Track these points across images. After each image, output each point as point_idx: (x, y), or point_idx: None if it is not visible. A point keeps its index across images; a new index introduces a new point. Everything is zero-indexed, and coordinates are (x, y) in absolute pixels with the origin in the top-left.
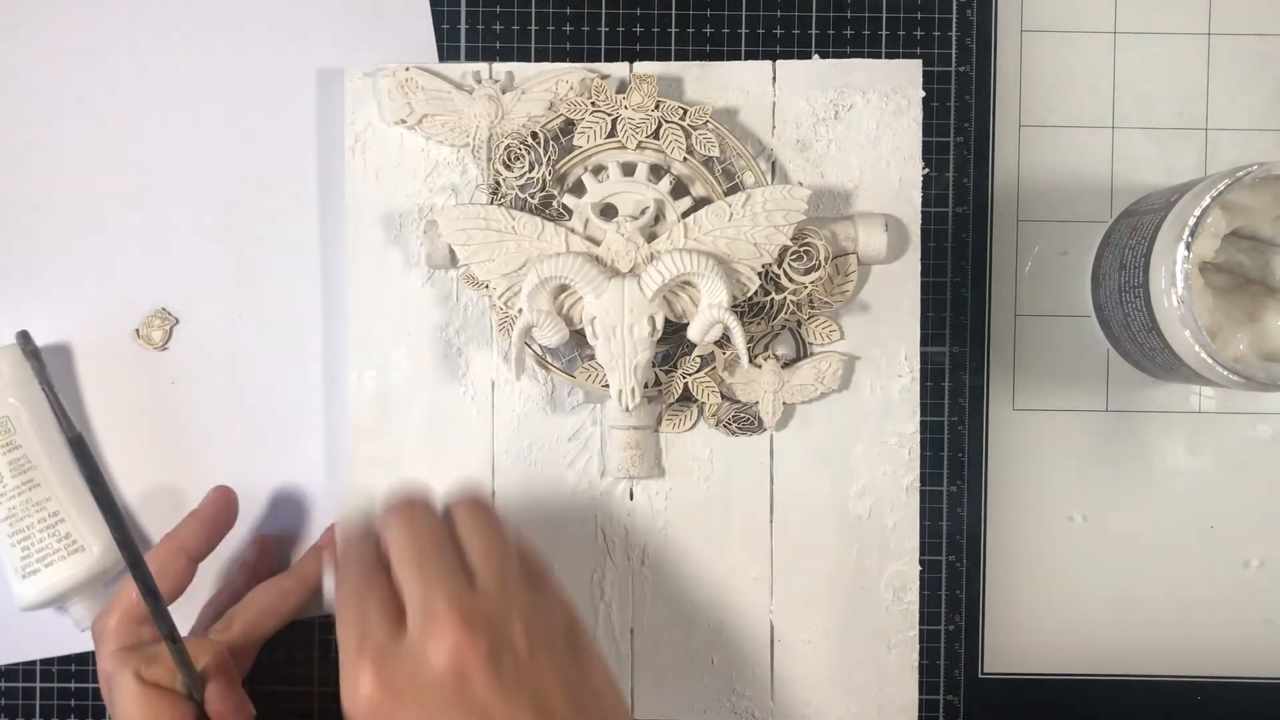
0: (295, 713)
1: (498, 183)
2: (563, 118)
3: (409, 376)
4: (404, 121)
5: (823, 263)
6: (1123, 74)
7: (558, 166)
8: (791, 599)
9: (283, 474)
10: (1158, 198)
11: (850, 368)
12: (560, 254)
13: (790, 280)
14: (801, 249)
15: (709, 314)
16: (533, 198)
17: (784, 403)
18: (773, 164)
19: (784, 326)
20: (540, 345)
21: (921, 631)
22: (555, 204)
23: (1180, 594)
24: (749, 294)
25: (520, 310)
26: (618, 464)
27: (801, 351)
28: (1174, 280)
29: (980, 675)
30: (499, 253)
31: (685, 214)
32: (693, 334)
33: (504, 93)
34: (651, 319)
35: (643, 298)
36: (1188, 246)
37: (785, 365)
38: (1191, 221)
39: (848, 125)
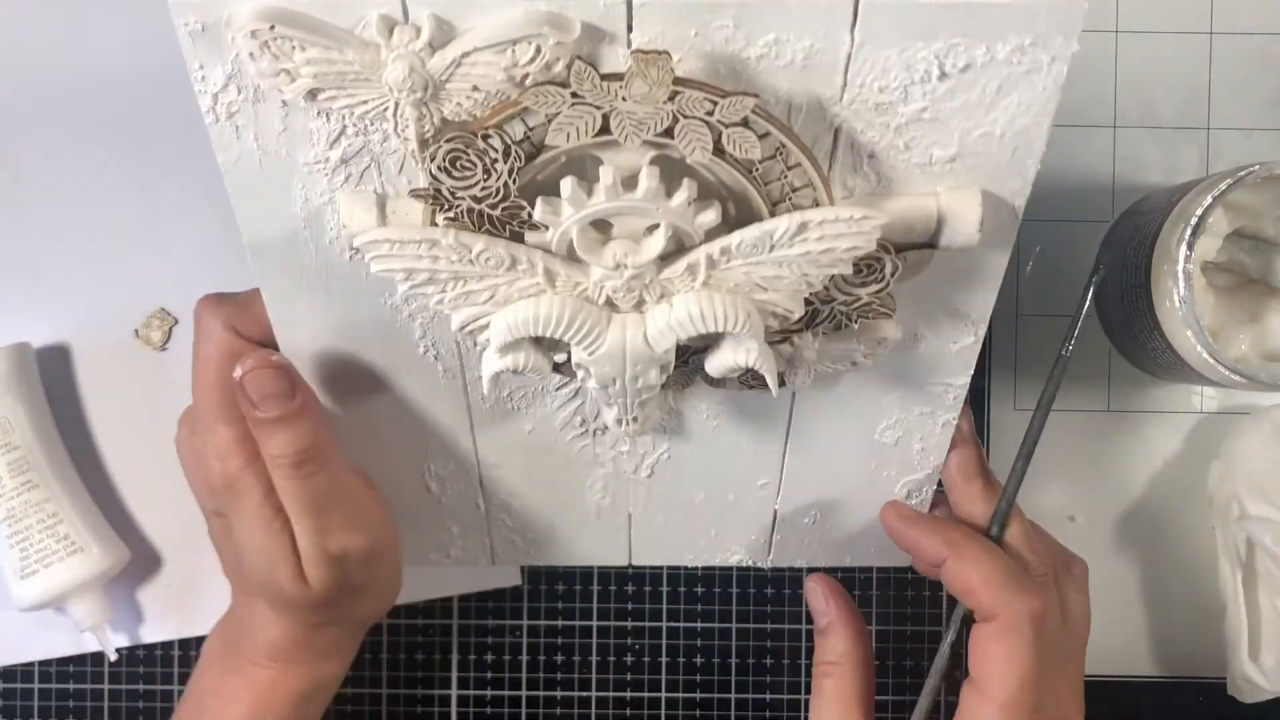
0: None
1: (437, 191)
2: (527, 109)
3: (351, 349)
4: (281, 93)
5: (889, 278)
6: (1124, 73)
7: (525, 168)
8: (799, 495)
9: None
10: (1159, 197)
11: (905, 340)
12: (539, 296)
13: (842, 292)
14: (862, 263)
15: (735, 358)
16: (492, 209)
17: (817, 372)
18: (835, 132)
19: (830, 318)
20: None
21: (922, 632)
22: (525, 215)
23: (1181, 594)
24: (789, 325)
25: (488, 341)
26: (617, 430)
27: (845, 324)
28: (1176, 280)
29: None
30: (454, 289)
31: (709, 234)
32: (712, 369)
33: (433, 51)
34: (661, 368)
35: (650, 352)
36: (1189, 246)
37: (824, 334)
38: (1193, 221)
39: (955, 87)
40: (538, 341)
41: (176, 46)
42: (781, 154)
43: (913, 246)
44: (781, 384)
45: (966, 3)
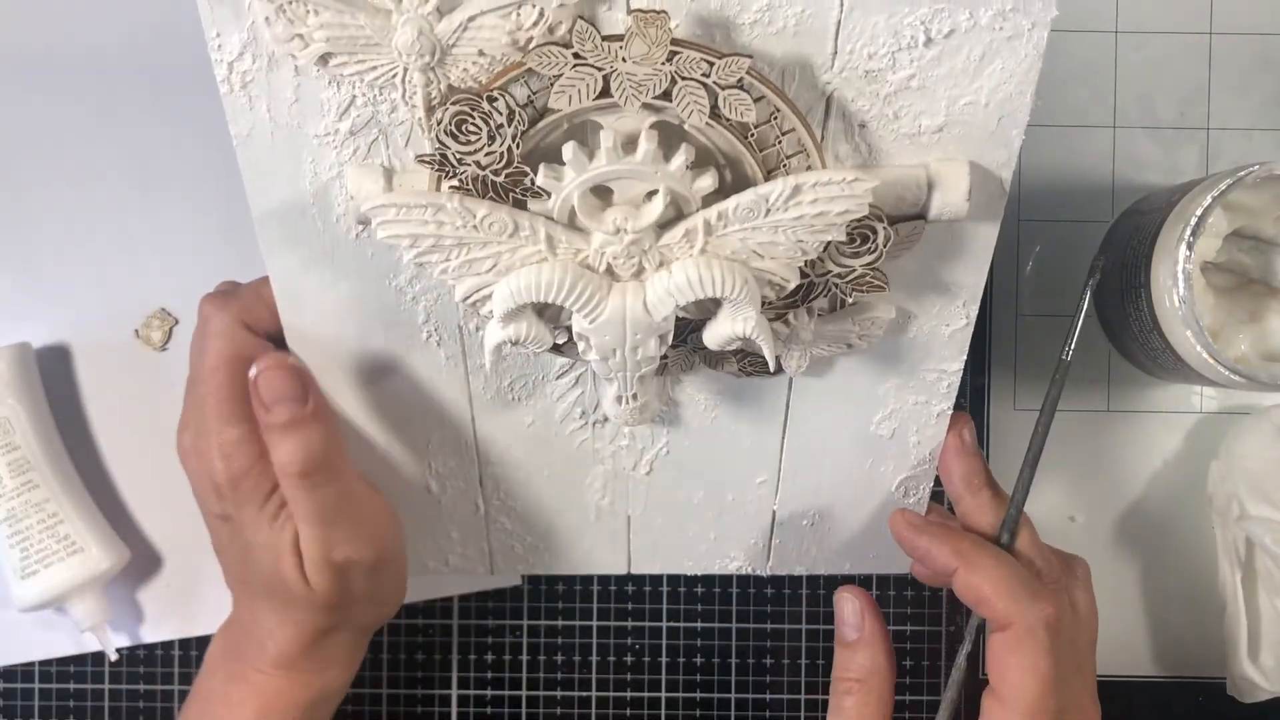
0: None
1: (443, 157)
2: (530, 70)
3: (355, 332)
4: (294, 58)
5: (882, 248)
6: (1124, 73)
7: (528, 133)
8: (797, 495)
9: None
10: (1159, 197)
11: (898, 321)
12: (541, 264)
13: (836, 264)
14: (856, 232)
15: (732, 327)
16: (496, 175)
17: (813, 355)
18: (827, 101)
19: (825, 292)
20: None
21: (922, 632)
22: (528, 182)
23: (1181, 594)
24: (785, 294)
25: (490, 312)
26: (616, 414)
27: (840, 303)
28: (1175, 280)
29: (981, 676)
30: (458, 255)
31: (705, 200)
32: (710, 341)
33: (440, 16)
34: (660, 338)
35: (649, 319)
36: (1189, 246)
37: (819, 315)
38: (1193, 221)
39: (941, 54)
40: (540, 314)
41: (177, 46)
42: (776, 119)
43: (904, 218)
44: (779, 369)
45: None
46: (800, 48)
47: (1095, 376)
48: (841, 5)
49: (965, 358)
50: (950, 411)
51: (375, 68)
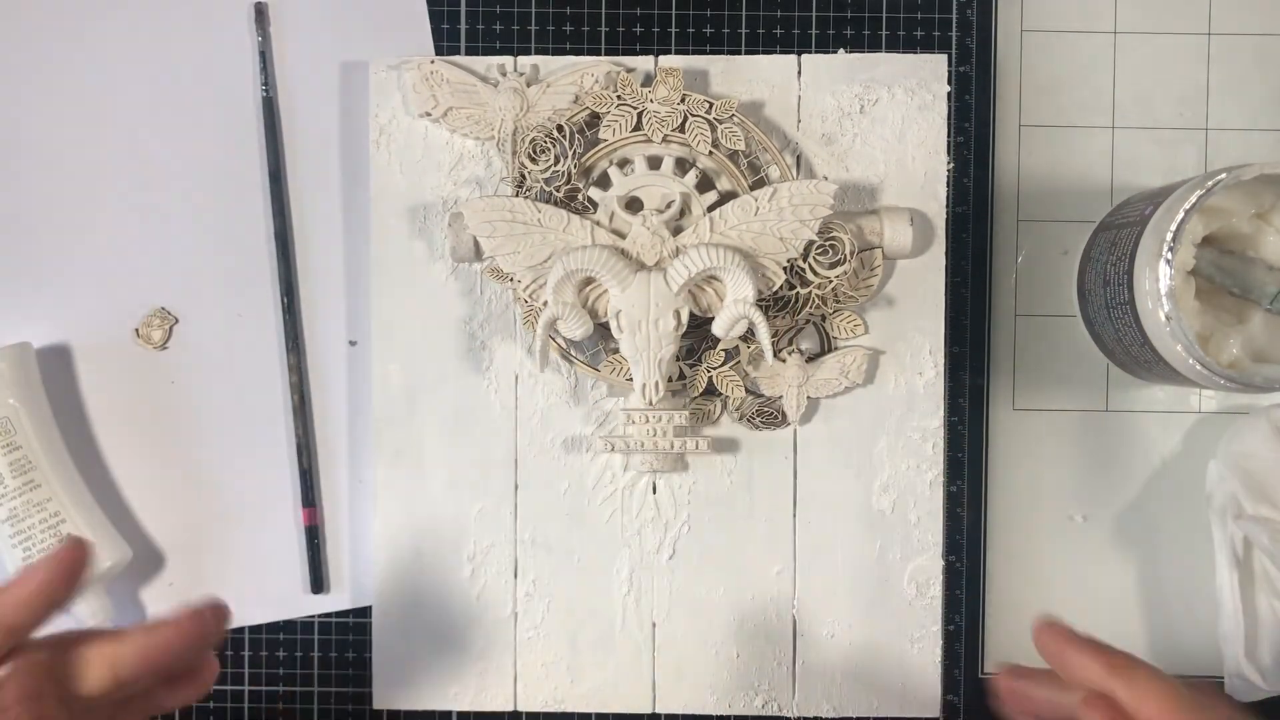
0: (298, 713)
1: (523, 175)
2: (588, 111)
3: (432, 369)
4: (428, 114)
5: (848, 257)
6: (1123, 74)
7: (583, 159)
8: (814, 593)
9: (280, 474)
10: (1133, 209)
11: (875, 362)
12: (586, 247)
13: (815, 274)
14: (827, 243)
15: (734, 309)
16: (558, 190)
17: (808, 397)
18: (798, 158)
19: (808, 321)
20: (564, 338)
21: None
22: (581, 197)
23: (1179, 594)
24: (774, 288)
25: (545, 303)
26: (641, 457)
27: (826, 346)
28: (1159, 300)
29: (980, 675)
30: (524, 245)
31: (711, 208)
32: (717, 329)
33: (529, 86)
34: (677, 313)
35: (668, 292)
36: (1169, 264)
37: (809, 359)
38: (1169, 238)
39: (873, 120)
40: (583, 304)
41: (176, 47)
42: (759, 150)
43: (865, 248)
44: (783, 422)
45: (871, 57)
46: (775, 116)
47: (1095, 376)
48: (799, 84)
49: (942, 414)
50: (940, 478)
51: (480, 121)
